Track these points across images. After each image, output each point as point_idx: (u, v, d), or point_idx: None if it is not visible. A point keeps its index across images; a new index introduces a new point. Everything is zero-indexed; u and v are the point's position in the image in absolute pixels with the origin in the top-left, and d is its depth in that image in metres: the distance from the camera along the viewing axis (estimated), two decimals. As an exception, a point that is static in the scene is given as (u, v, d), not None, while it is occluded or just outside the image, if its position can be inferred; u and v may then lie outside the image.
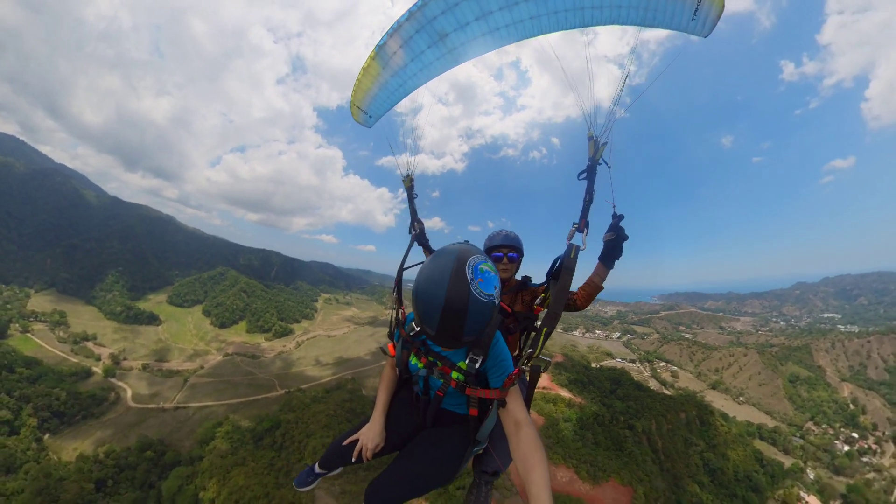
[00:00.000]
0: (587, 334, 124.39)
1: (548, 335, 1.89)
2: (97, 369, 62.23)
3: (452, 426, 2.05)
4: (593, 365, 79.16)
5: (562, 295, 2.01)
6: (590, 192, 2.26)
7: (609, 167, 2.29)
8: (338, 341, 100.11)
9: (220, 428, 48.96)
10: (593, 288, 2.52)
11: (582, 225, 2.25)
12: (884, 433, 56.37)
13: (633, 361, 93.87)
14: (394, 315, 2.34)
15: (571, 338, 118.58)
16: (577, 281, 2.38)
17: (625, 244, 2.37)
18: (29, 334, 66.78)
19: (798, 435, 59.10)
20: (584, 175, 2.29)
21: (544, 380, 73.62)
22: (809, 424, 61.69)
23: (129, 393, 58.23)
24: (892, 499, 43.14)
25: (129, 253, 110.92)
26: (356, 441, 2.04)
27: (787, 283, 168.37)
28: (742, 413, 67.29)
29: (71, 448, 44.53)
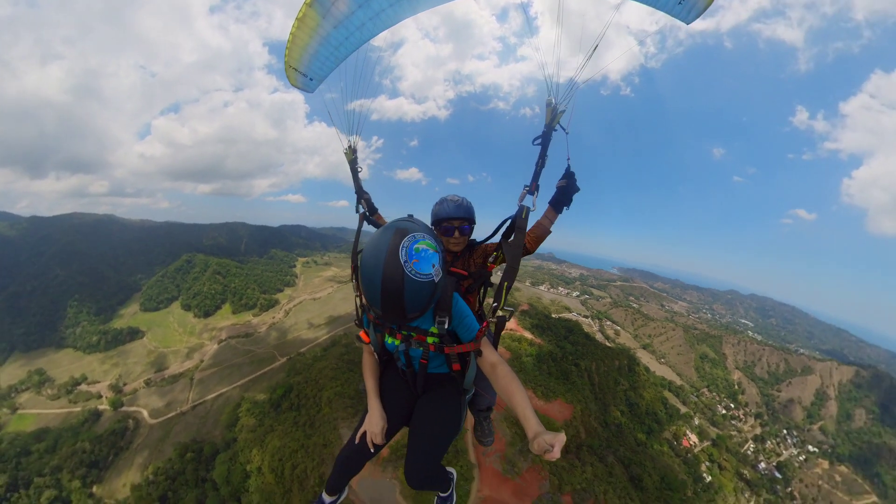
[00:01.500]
0: (551, 290, 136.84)
1: (508, 289, 1.98)
2: (104, 406, 58.63)
3: (441, 386, 2.22)
4: (553, 315, 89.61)
5: (517, 251, 2.08)
6: (542, 157, 2.30)
7: (567, 133, 2.31)
8: (324, 302, 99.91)
9: (240, 409, 51.00)
10: (542, 231, 2.58)
11: (533, 188, 2.29)
12: (749, 410, 74.29)
13: (586, 317, 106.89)
14: (358, 301, 2.32)
15: (537, 291, 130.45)
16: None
17: (585, 206, 3.00)
18: (21, 411, 58.27)
19: (695, 395, 75.02)
20: (539, 140, 2.32)
21: (512, 323, 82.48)
22: (704, 390, 77.67)
23: (146, 413, 56.91)
24: (742, 449, 59.73)
25: (79, 275, 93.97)
26: (361, 448, 2.09)
27: (723, 287, 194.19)
28: (660, 370, 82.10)
29: (121, 485, 44.12)
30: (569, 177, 2.43)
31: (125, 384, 64.59)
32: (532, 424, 1.46)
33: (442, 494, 2.60)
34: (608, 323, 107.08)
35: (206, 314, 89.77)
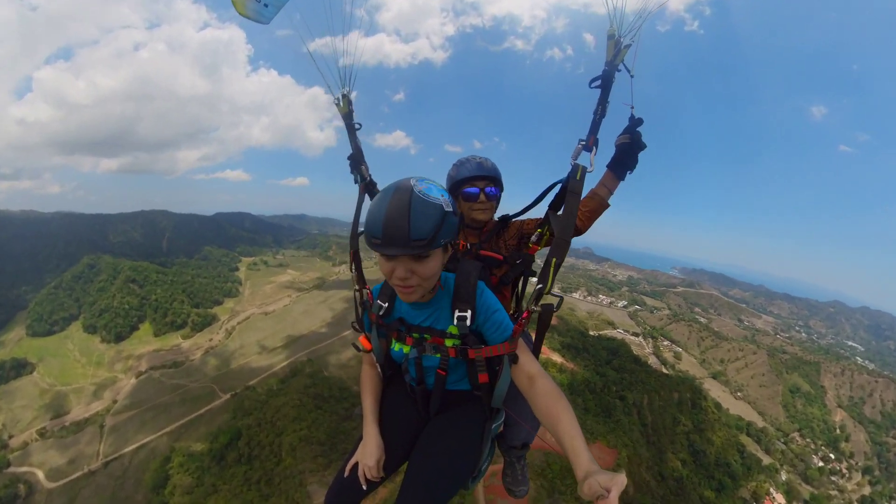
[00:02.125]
0: (589, 298, 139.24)
1: (557, 267, 2.04)
2: (-16, 468, 57.98)
3: (460, 406, 2.28)
4: (591, 332, 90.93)
5: (569, 221, 2.12)
6: (602, 105, 2.37)
7: (632, 75, 2.36)
8: (279, 318, 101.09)
9: (170, 464, 51.08)
10: (597, 203, 2.69)
11: (590, 142, 2.34)
12: (857, 463, 73.81)
13: (635, 335, 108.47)
14: (357, 298, 2.42)
15: (570, 300, 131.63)
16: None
17: (644, 166, 2.59)
18: None
19: (782, 440, 75.74)
20: (598, 83, 2.38)
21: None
22: (795, 434, 78.43)
23: (41, 474, 55.48)
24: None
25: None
26: (351, 483, 2.12)
27: (824, 297, 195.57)
28: (736, 407, 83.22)
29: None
30: (632, 130, 2.49)
31: (11, 436, 63.22)
32: (583, 461, 1.48)
33: None
34: (665, 343, 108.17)
35: (119, 338, 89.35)
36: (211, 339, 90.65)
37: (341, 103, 2.93)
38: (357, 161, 2.83)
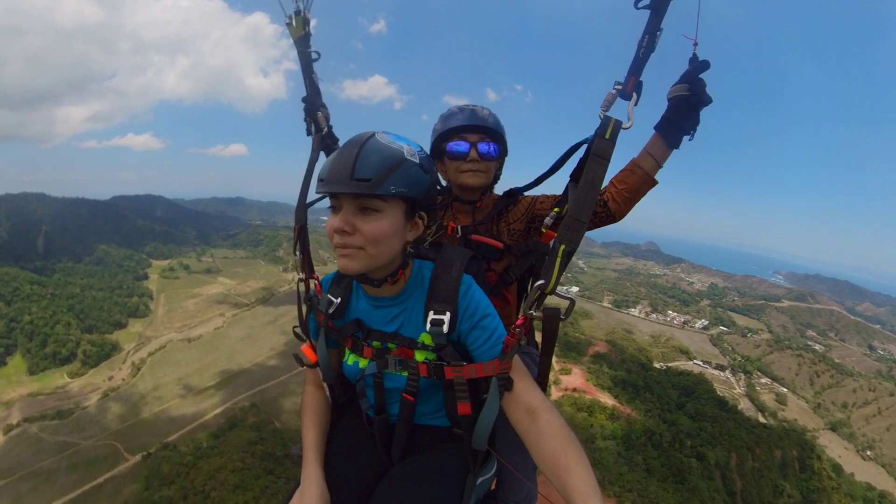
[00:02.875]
0: (653, 315, 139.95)
1: (567, 257, 1.98)
2: None
3: (434, 450, 2.25)
4: (656, 364, 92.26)
5: (588, 195, 2.06)
6: (651, 33, 2.28)
7: None
8: (209, 346, 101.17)
9: None
10: (639, 178, 2.65)
11: (629, 86, 2.31)
12: None
13: (720, 368, 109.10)
14: (301, 290, 2.47)
15: (626, 318, 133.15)
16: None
17: (706, 124, 2.44)
18: None
19: None
20: (648, 1, 2.29)
21: (575, 378, 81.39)
22: None
23: None
24: None
25: None
26: None
27: None
28: (864, 472, 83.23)
29: None
30: (693, 77, 2.35)
31: None
32: None
33: None
34: (764, 380, 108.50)
35: None
36: (111, 378, 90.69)
37: (293, 23, 2.91)
38: (313, 104, 2.88)
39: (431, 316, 1.93)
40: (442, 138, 2.93)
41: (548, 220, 2.77)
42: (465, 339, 2.00)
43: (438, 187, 2.34)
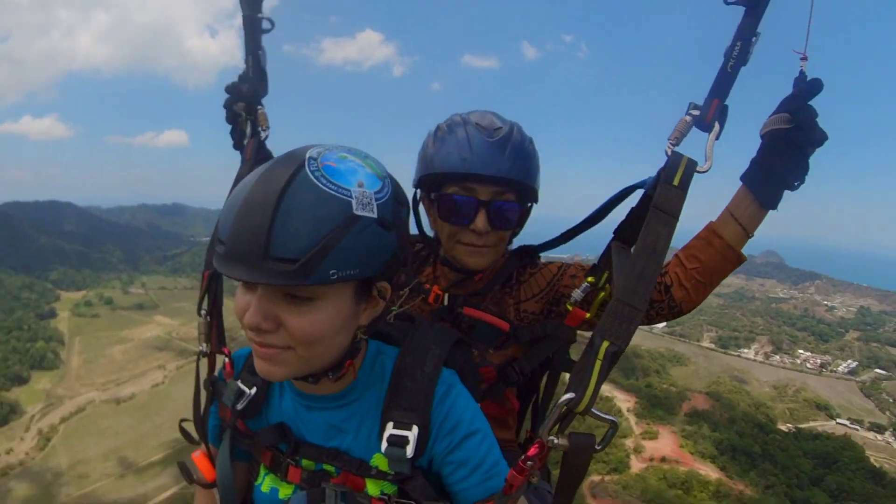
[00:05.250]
0: (776, 357, 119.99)
1: (613, 360, 1.35)
2: None
3: None
4: (781, 426, 78.90)
5: (648, 267, 1.45)
6: (745, 39, 1.70)
7: None
8: (145, 410, 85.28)
9: None
10: (718, 253, 1.90)
11: (711, 112, 1.71)
12: None
13: (875, 430, 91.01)
14: (201, 369, 1.88)
15: (736, 362, 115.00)
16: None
17: (817, 156, 1.77)
18: None
19: None
20: None
21: (664, 443, 73.88)
22: None
23: None
24: None
25: None
26: None
27: None
28: None
29: None
30: (799, 105, 1.72)
31: None
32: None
33: None
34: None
35: None
36: (9, 451, 76.86)
37: None
38: (253, 94, 2.16)
39: (390, 430, 1.45)
40: (433, 182, 2.21)
41: (577, 294, 2.10)
42: (441, 468, 1.53)
43: (417, 236, 2.16)
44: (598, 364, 1.29)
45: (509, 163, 2.07)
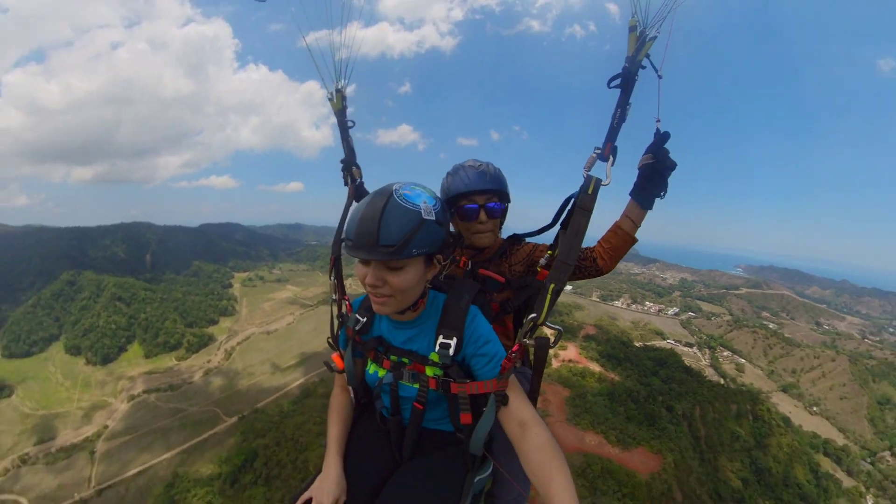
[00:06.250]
0: (633, 306, 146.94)
1: (556, 294, 2.07)
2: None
3: (439, 451, 2.30)
4: (636, 343, 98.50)
5: (574, 241, 2.15)
6: (622, 107, 2.33)
7: (660, 76, 2.30)
8: (284, 337, 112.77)
9: (174, 490, 56.85)
10: (621, 238, 2.69)
11: (607, 151, 2.34)
12: None
13: (689, 345, 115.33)
14: (335, 310, 2.58)
15: (611, 308, 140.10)
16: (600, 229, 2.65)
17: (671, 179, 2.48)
18: None
19: (868, 460, 78.62)
20: (617, 82, 2.32)
21: (570, 352, 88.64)
22: (885, 454, 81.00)
23: (25, 501, 61.80)
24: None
25: None
26: None
27: None
28: (811, 424, 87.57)
29: None
30: (658, 149, 2.41)
31: (-12, 463, 69.31)
32: None
33: None
34: (726, 354, 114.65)
35: (106, 359, 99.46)
36: (209, 361, 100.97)
37: (335, 99, 3.14)
38: (349, 163, 3.07)
39: (441, 340, 2.07)
40: (451, 198, 2.99)
41: (542, 261, 2.88)
42: (469, 361, 2.11)
43: (452, 233, 2.45)
44: (548, 297, 2.06)
45: (491, 181, 2.91)
